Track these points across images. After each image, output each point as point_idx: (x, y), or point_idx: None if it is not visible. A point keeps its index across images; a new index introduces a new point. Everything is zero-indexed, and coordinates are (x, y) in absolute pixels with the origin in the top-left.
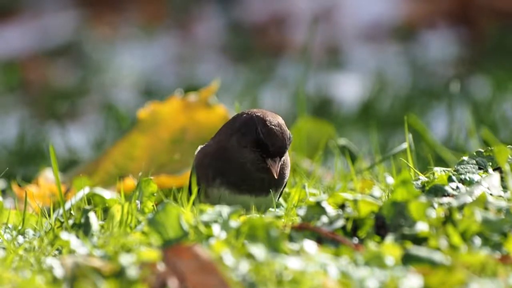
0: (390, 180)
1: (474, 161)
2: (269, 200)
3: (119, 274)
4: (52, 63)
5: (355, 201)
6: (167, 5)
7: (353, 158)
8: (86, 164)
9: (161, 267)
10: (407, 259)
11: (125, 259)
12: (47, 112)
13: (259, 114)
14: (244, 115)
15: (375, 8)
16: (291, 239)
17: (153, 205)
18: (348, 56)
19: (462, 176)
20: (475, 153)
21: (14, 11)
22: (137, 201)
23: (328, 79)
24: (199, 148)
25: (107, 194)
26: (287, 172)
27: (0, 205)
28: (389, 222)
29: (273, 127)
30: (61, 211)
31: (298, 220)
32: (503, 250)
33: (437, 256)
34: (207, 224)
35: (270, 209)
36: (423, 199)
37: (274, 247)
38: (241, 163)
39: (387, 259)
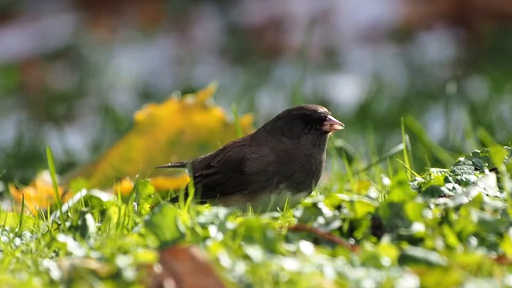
0: (386, 181)
1: (470, 162)
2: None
3: (116, 275)
4: (50, 66)
5: (351, 202)
6: (165, 8)
7: (350, 159)
8: (83, 166)
9: (157, 268)
10: (403, 260)
11: (122, 261)
12: (45, 115)
13: (290, 108)
14: (278, 117)
15: (372, 10)
16: (287, 240)
17: (149, 207)
18: (345, 57)
19: (459, 177)
20: (471, 154)
21: (13, 14)
22: (134, 203)
23: (325, 80)
24: (247, 152)
25: (104, 196)
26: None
27: None
28: (386, 222)
29: (305, 105)
30: (58, 213)
31: (294, 221)
32: (499, 250)
33: (433, 257)
34: (203, 226)
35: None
36: (419, 199)
37: (270, 248)
38: (305, 155)
39: (384, 260)
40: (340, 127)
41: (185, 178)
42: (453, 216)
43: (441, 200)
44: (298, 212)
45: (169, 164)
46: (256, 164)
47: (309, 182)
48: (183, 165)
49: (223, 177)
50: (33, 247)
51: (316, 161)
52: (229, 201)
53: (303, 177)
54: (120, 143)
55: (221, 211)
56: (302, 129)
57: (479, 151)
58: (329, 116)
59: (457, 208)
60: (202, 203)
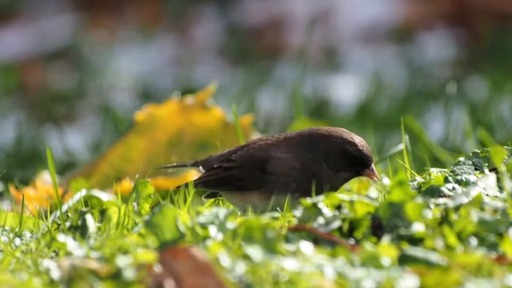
0: (386, 181)
1: (470, 162)
2: None
3: (115, 275)
4: (50, 66)
5: (351, 202)
6: (165, 9)
7: None
8: (83, 166)
9: (157, 268)
10: (403, 260)
11: (121, 261)
12: (45, 115)
13: (341, 135)
14: (323, 137)
15: (372, 10)
16: (287, 240)
17: (149, 207)
18: (345, 57)
19: (458, 177)
20: (471, 154)
21: (13, 14)
22: (134, 203)
23: (325, 80)
24: (273, 152)
25: (104, 196)
26: None
27: None
28: (385, 223)
29: (359, 143)
30: (58, 213)
31: (294, 221)
32: (499, 250)
33: (433, 257)
34: (203, 226)
35: None
36: (419, 200)
37: (270, 248)
38: (334, 183)
39: (383, 260)
40: (377, 181)
41: (185, 178)
42: (453, 216)
43: (441, 200)
44: (298, 212)
45: (174, 164)
46: (280, 165)
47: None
48: (186, 165)
49: (243, 173)
50: (33, 247)
51: (333, 187)
52: (246, 197)
53: (318, 189)
54: (120, 143)
55: (221, 211)
56: (344, 166)
57: (479, 151)
58: (372, 165)
59: (457, 208)
60: (213, 195)
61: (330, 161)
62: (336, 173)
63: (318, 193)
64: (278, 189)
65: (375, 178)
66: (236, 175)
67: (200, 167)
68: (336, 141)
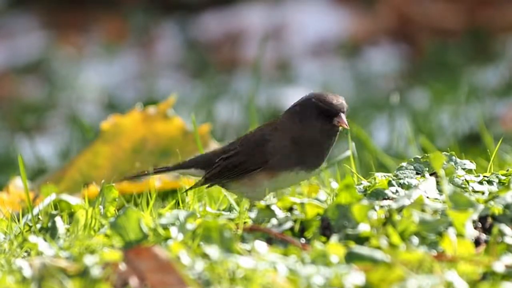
0: (334, 184)
1: (412, 167)
2: (318, 172)
3: (83, 273)
4: (21, 79)
5: (302, 204)
6: (128, 26)
7: None
8: (53, 172)
9: (122, 267)
10: (350, 257)
11: (89, 260)
12: (16, 125)
13: (310, 94)
14: (298, 102)
15: (321, 26)
16: (243, 239)
17: (115, 210)
18: (297, 70)
19: (401, 181)
20: (413, 160)
21: None
22: (100, 206)
23: (278, 92)
24: (268, 133)
25: (73, 200)
26: None
27: None
28: (334, 223)
29: (326, 95)
30: (29, 216)
31: (249, 222)
32: (439, 249)
33: (378, 255)
34: (165, 227)
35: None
36: (365, 202)
37: (227, 247)
38: (318, 140)
39: (332, 258)
40: (346, 127)
41: (149, 183)
42: (396, 217)
43: (385, 202)
44: (253, 214)
45: (154, 169)
46: (273, 144)
47: (320, 162)
48: (168, 169)
49: (244, 156)
50: (6, 248)
51: (324, 147)
52: (253, 180)
53: (314, 158)
54: (87, 150)
55: (181, 213)
56: (316, 117)
57: (420, 157)
58: (341, 114)
59: (400, 210)
60: (211, 185)
61: (304, 115)
62: (311, 125)
63: (320, 154)
64: (278, 166)
65: (344, 125)
66: (236, 161)
67: (192, 170)
68: (307, 98)
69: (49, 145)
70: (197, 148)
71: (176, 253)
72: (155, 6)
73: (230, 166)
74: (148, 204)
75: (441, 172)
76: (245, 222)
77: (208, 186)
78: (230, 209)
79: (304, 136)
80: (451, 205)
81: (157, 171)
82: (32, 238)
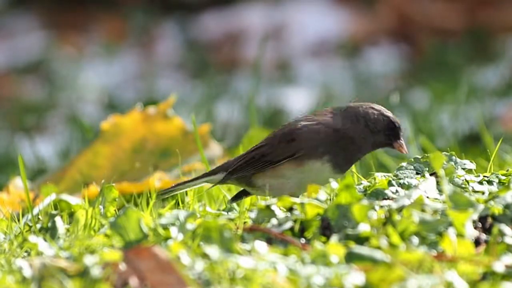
0: (334, 184)
1: (412, 167)
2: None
3: (83, 273)
4: (22, 80)
5: (302, 205)
6: (128, 26)
7: None
8: (53, 172)
9: (122, 267)
10: (350, 258)
11: (89, 260)
12: (16, 125)
13: (379, 107)
14: (361, 107)
15: (322, 26)
16: (243, 240)
17: (115, 210)
18: (297, 71)
19: (401, 181)
20: (413, 160)
21: None
22: (100, 206)
23: (278, 92)
24: (302, 123)
25: (73, 200)
26: None
27: None
28: (334, 223)
29: (393, 116)
30: (29, 216)
31: (249, 222)
32: (439, 249)
33: (378, 255)
34: (165, 227)
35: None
36: (365, 202)
37: (227, 247)
38: (360, 148)
39: (332, 258)
40: (405, 152)
41: (149, 182)
42: (396, 217)
43: (385, 202)
44: (253, 214)
45: (184, 182)
46: (307, 130)
47: (349, 166)
48: (197, 179)
49: (270, 147)
50: (6, 248)
51: (358, 156)
52: (277, 171)
53: (343, 160)
54: (87, 150)
55: (181, 213)
56: (384, 133)
57: (420, 157)
58: (402, 138)
59: (400, 210)
60: (237, 197)
61: (370, 123)
62: (374, 135)
63: (351, 158)
64: (308, 155)
65: (404, 151)
66: (264, 151)
67: (219, 174)
68: (375, 109)
69: (49, 145)
70: (197, 148)
71: (176, 253)
72: (155, 6)
73: (257, 157)
74: (148, 204)
75: (441, 172)
76: (245, 222)
77: (222, 182)
78: (230, 209)
79: (347, 139)
80: (451, 205)
81: (186, 183)
82: (32, 238)
